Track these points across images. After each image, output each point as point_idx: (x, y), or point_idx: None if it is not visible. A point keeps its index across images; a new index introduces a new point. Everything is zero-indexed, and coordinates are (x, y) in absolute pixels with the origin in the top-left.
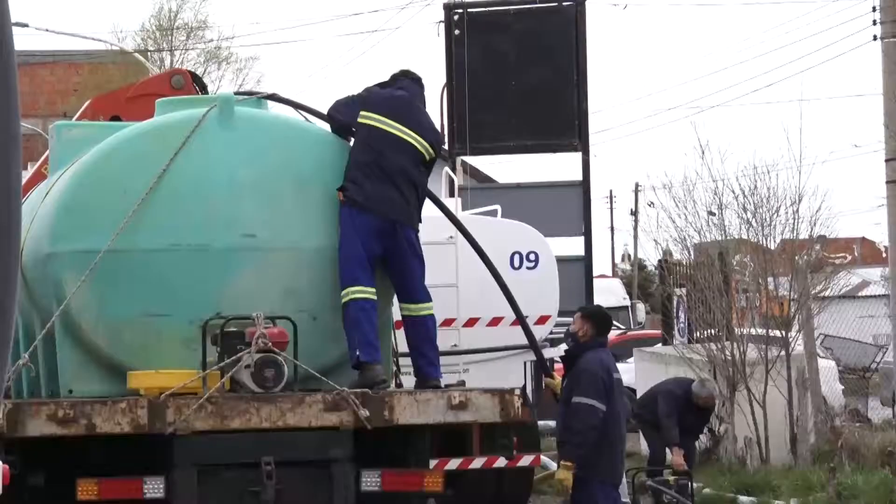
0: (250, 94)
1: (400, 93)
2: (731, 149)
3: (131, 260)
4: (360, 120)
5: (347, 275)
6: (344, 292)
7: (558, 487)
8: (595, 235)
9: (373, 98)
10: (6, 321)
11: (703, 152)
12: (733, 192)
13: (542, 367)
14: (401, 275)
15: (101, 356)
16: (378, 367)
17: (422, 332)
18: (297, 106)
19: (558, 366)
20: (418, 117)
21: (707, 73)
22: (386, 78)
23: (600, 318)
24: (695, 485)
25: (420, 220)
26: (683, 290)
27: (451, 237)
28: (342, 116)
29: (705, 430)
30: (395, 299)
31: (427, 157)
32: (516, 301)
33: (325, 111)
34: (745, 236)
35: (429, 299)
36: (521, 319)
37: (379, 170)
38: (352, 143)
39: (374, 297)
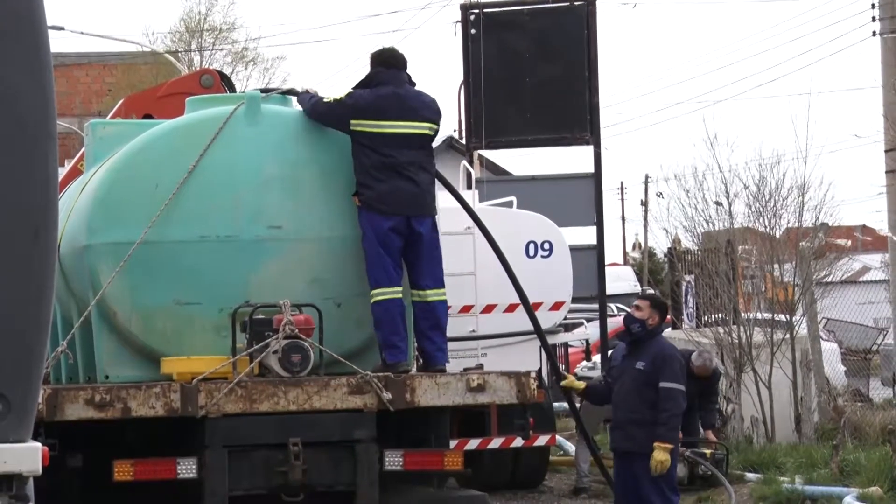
0: (272, 90)
1: (383, 90)
2: (739, 141)
3: (163, 251)
4: (353, 128)
5: (373, 278)
6: (371, 294)
7: (658, 469)
8: (607, 225)
9: (360, 104)
10: (45, 310)
11: (711, 144)
12: (742, 182)
13: (547, 354)
14: (415, 262)
15: (135, 343)
16: (402, 365)
17: (431, 317)
18: None
19: (573, 350)
20: (409, 104)
21: (711, 69)
22: (367, 71)
23: (665, 307)
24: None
25: (435, 201)
26: (692, 276)
27: (469, 228)
28: (332, 124)
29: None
30: None
31: (432, 133)
32: (524, 290)
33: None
34: (753, 225)
35: (440, 286)
36: (526, 307)
37: (387, 169)
38: (352, 149)
39: (400, 296)
